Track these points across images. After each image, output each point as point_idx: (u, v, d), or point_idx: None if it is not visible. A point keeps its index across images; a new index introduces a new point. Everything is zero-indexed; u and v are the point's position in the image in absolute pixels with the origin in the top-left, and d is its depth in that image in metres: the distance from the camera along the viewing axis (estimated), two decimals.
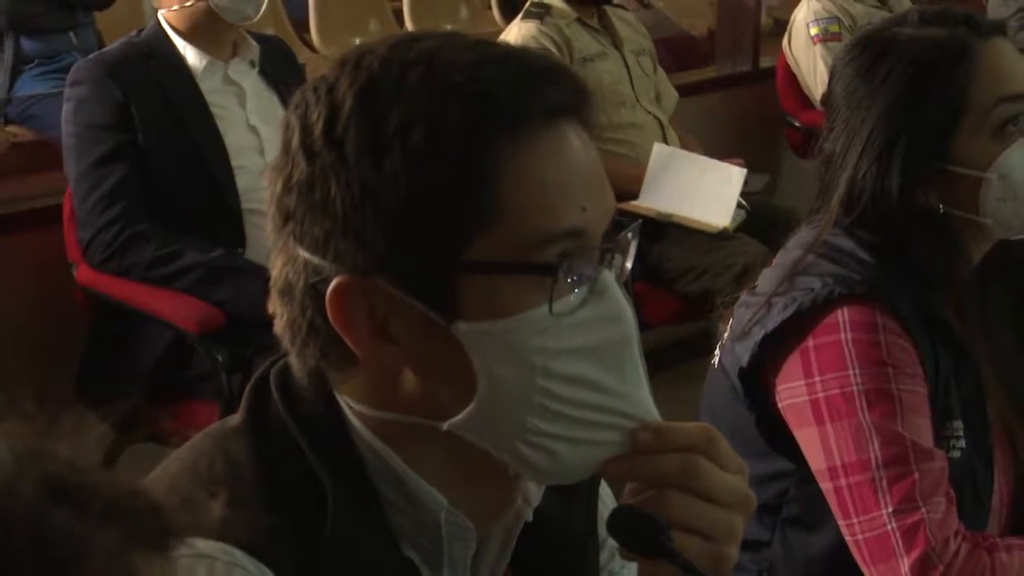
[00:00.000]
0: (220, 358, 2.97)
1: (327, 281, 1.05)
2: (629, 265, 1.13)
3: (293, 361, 1.11)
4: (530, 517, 1.17)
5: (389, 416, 1.09)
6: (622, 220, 1.12)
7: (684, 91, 4.75)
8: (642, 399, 1.08)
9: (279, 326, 1.10)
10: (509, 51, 1.10)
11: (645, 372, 1.09)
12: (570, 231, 1.04)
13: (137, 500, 0.70)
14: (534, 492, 1.17)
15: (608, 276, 1.07)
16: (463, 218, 1.03)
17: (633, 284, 3.59)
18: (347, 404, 1.11)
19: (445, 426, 1.06)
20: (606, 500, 1.29)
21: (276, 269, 1.09)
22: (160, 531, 0.70)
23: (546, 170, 1.04)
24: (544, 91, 1.05)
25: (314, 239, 1.05)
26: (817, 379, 1.75)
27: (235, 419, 1.14)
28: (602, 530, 1.23)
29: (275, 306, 1.10)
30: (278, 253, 1.09)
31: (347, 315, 1.05)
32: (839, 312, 1.75)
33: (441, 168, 1.02)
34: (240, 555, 1.04)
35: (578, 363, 1.05)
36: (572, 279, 1.05)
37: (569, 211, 1.04)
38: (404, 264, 1.03)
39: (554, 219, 1.04)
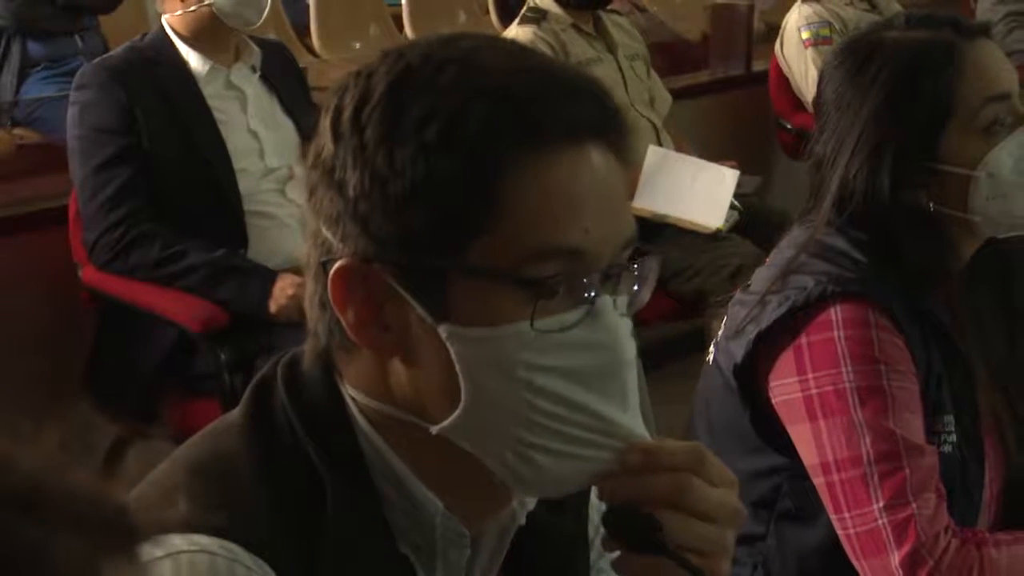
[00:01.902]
0: (223, 357, 2.98)
1: (334, 261, 1.06)
2: (644, 297, 1.11)
3: (308, 342, 1.12)
4: (523, 520, 1.17)
5: (384, 408, 1.09)
6: (640, 249, 1.10)
7: (678, 94, 4.74)
8: (630, 424, 1.06)
9: (307, 301, 1.13)
10: (546, 63, 1.10)
11: (646, 390, 1.10)
12: (569, 249, 1.03)
13: (102, 506, 0.68)
14: None
15: (606, 302, 1.05)
16: (462, 219, 1.03)
17: None
18: (350, 396, 1.11)
19: (435, 430, 1.06)
20: (596, 503, 1.28)
21: (305, 243, 1.11)
22: (126, 535, 0.69)
23: (554, 185, 1.03)
24: (569, 108, 1.04)
25: (328, 218, 1.07)
26: (810, 376, 1.76)
27: (235, 415, 1.14)
28: (591, 531, 1.25)
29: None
30: (307, 227, 1.11)
31: (345, 296, 1.06)
32: (832, 310, 1.75)
33: (449, 165, 1.02)
34: (240, 551, 1.04)
35: (562, 382, 1.04)
36: (567, 298, 1.04)
37: (571, 229, 1.03)
38: (402, 257, 1.04)
39: (554, 234, 1.03)
